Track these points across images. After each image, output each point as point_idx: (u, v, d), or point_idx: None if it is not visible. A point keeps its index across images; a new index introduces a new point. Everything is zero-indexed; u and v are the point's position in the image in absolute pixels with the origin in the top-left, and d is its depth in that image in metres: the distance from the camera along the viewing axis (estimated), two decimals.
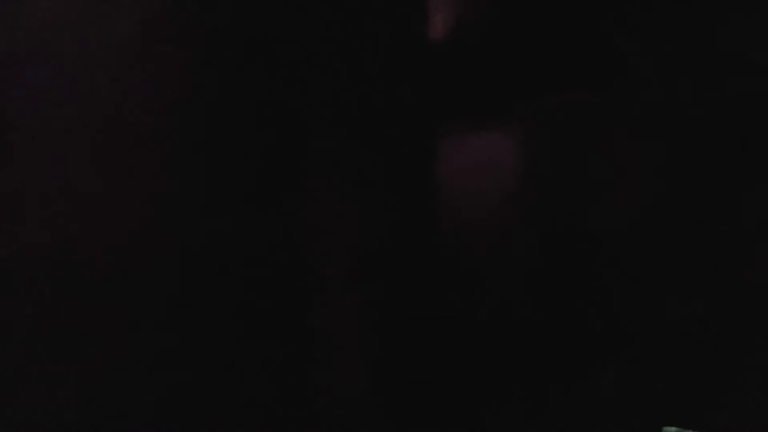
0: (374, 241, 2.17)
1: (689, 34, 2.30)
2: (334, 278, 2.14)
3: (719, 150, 2.28)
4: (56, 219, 1.91)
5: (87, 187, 1.93)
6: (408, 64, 2.22)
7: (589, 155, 2.39)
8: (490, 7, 2.42)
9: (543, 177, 2.41)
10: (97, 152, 1.94)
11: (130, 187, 1.95)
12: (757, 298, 2.23)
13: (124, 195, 1.95)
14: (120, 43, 1.93)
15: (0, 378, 1.85)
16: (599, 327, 2.37)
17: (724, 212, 2.27)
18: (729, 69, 2.26)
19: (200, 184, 1.99)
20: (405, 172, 2.22)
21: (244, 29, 2.05)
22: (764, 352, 2.20)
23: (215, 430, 1.98)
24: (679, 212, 2.33)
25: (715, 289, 2.28)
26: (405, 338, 2.24)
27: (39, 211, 1.90)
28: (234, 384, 2.02)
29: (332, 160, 2.14)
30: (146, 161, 1.96)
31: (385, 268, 2.18)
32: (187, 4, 2.02)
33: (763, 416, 2.19)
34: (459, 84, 2.37)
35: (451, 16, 2.38)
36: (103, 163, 1.95)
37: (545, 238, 2.40)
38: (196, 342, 1.99)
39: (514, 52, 2.38)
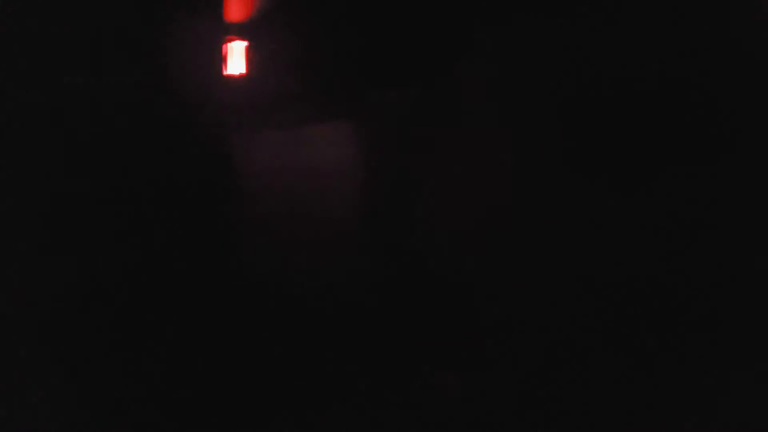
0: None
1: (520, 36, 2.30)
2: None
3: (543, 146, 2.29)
4: None
5: None
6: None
7: (409, 153, 2.38)
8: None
9: (366, 173, 2.38)
10: None
11: None
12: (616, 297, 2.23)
13: None
14: None
15: None
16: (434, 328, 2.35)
17: (559, 207, 2.28)
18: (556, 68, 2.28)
19: None
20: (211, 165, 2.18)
21: None
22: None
23: None
24: (507, 207, 2.33)
25: (561, 286, 2.28)
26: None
27: None
28: None
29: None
30: None
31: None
32: None
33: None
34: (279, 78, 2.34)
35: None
36: None
37: (370, 236, 2.38)
38: None
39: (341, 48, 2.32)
